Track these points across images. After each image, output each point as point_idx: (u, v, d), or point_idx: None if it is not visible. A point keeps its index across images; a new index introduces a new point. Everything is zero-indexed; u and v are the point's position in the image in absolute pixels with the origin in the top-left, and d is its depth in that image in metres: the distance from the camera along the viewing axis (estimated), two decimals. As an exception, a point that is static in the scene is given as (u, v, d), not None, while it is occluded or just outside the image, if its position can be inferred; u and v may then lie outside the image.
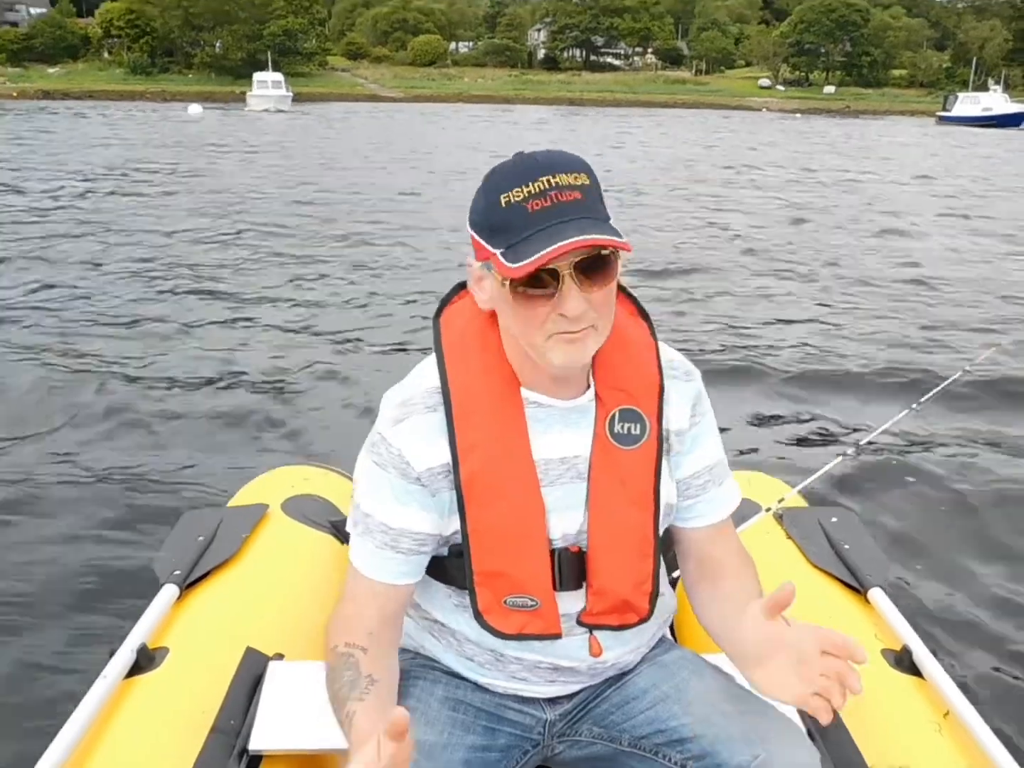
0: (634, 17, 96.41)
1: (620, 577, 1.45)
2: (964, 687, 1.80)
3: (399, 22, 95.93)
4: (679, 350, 1.57)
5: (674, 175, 20.95)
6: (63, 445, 4.79)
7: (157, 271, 9.24)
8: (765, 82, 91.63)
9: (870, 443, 2.92)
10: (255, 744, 1.65)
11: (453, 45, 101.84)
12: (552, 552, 1.42)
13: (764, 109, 75.11)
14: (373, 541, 1.42)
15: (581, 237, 1.20)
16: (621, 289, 1.47)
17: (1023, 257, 11.35)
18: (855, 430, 5.09)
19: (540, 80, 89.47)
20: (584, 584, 1.44)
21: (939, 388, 3.09)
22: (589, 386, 1.45)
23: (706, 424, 1.53)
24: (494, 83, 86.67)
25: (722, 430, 1.60)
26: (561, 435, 1.43)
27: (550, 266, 1.23)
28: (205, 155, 23.27)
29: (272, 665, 1.87)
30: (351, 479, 1.53)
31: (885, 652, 1.90)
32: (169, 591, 2.02)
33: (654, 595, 1.47)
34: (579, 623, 1.46)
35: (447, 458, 1.39)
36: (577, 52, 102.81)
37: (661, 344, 1.51)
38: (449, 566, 1.46)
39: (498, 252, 1.26)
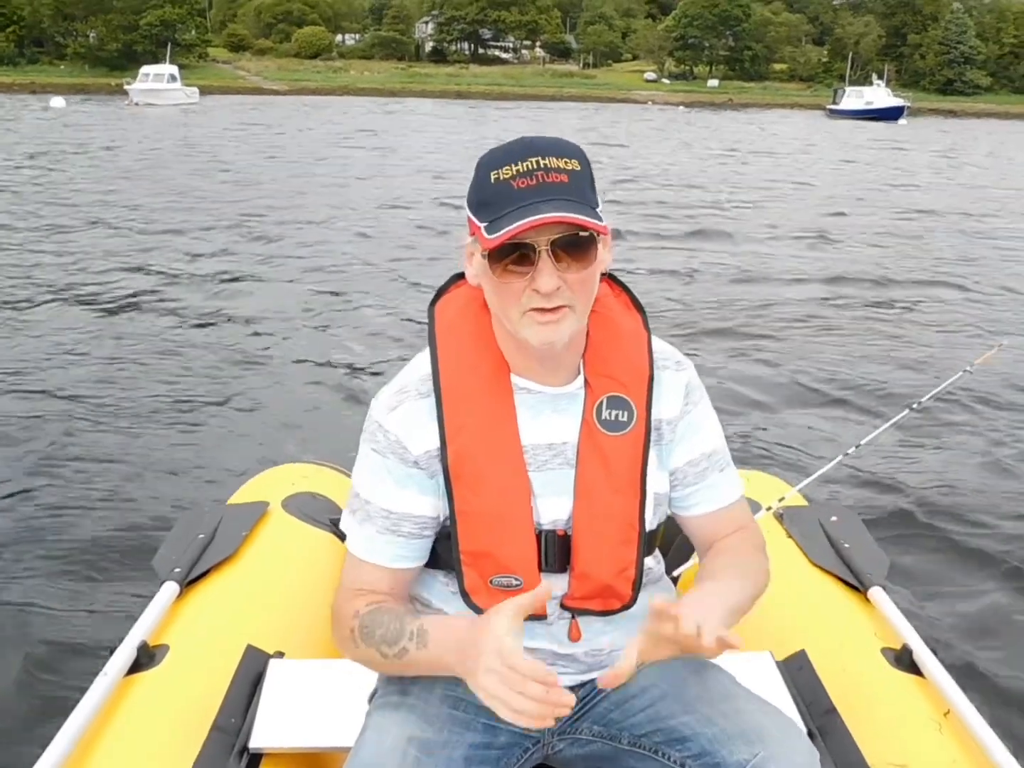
0: (521, 10, 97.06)
1: (602, 562, 1.47)
2: (964, 686, 1.80)
3: (283, 14, 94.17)
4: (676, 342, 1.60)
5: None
6: (63, 444, 4.84)
7: (162, 264, 9.47)
8: (651, 75, 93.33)
9: (870, 443, 2.91)
10: (255, 742, 1.67)
11: (339, 37, 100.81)
12: (538, 534, 1.45)
13: (650, 102, 76.37)
14: (374, 526, 1.46)
15: (554, 214, 1.26)
16: (616, 281, 1.55)
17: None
18: (855, 430, 5.08)
19: (427, 73, 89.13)
20: (568, 568, 1.47)
21: (939, 388, 3.07)
22: (579, 374, 1.48)
23: (700, 412, 1.56)
24: (381, 76, 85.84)
25: (723, 429, 1.61)
26: (550, 421, 1.46)
27: (527, 241, 1.29)
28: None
29: (273, 663, 1.89)
30: (351, 477, 1.50)
31: (885, 651, 1.92)
32: (169, 588, 2.04)
33: (637, 582, 1.49)
34: (562, 607, 1.49)
35: (438, 441, 1.43)
36: (465, 45, 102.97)
37: (654, 336, 1.54)
38: (440, 549, 1.49)
39: (482, 226, 1.33)
